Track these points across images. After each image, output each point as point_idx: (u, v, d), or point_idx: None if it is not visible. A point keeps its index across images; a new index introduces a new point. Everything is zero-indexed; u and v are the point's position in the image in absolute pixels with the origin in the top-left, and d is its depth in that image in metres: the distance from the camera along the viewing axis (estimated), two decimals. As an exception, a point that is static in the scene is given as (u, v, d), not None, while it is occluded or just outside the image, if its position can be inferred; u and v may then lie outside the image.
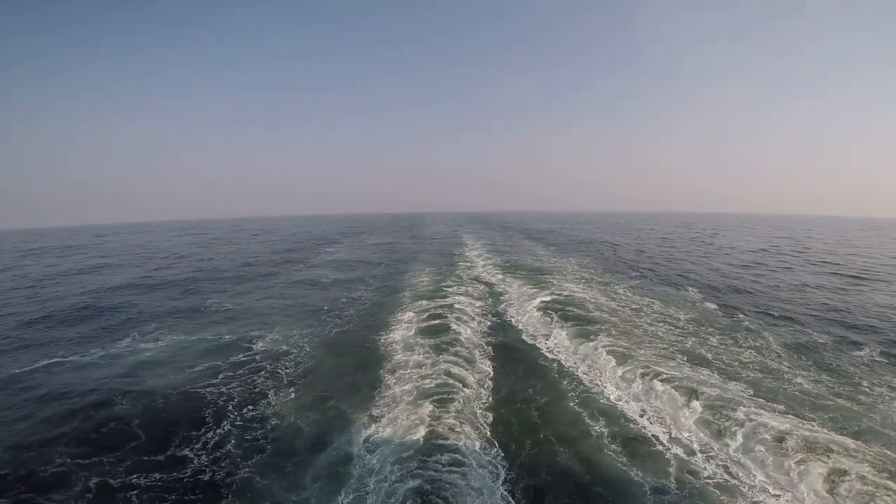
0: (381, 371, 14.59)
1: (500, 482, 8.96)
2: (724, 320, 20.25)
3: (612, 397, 12.50)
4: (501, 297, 24.82)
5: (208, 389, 13.24)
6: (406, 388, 13.12)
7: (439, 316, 20.43)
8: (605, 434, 10.69)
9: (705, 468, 9.38)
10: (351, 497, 8.57)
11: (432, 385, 13.15)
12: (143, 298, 26.96)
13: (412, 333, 18.35)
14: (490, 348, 16.60)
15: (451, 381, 13.43)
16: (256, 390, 13.29)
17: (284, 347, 17.07)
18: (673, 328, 18.77)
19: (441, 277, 31.22)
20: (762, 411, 11.30)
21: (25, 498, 8.57)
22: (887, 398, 12.27)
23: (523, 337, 17.98)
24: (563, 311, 20.81)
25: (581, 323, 19.04)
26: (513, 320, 20.35)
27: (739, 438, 10.26)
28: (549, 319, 19.85)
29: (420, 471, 9.15)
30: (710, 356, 15.41)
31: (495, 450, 10.03)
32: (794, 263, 39.64)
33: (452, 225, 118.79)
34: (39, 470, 9.37)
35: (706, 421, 11.04)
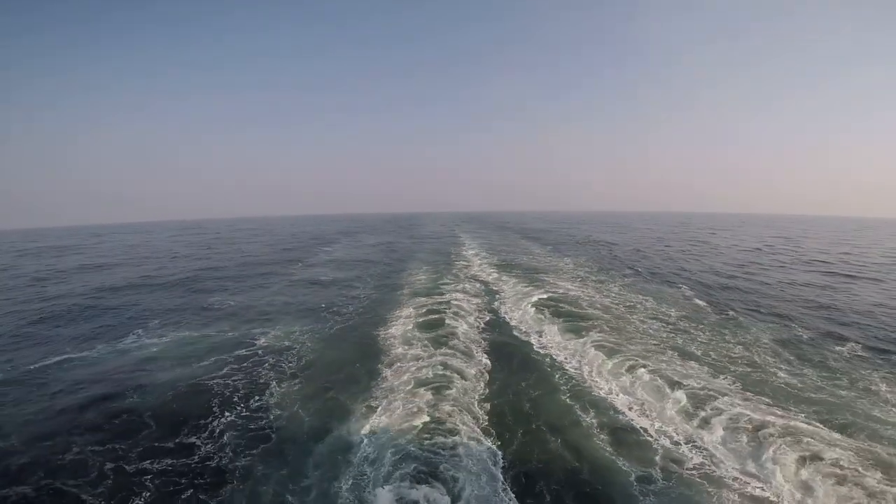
0: (380, 364, 15.12)
1: (495, 468, 9.38)
2: (715, 317, 20.76)
3: (602, 390, 12.92)
4: (497, 295, 25.32)
5: (215, 381, 13.77)
6: (404, 379, 13.67)
7: (437, 312, 20.99)
8: (595, 425, 11.09)
9: (690, 457, 9.72)
10: (350, 483, 8.98)
11: (429, 377, 13.68)
12: (145, 297, 27.45)
13: (410, 328, 18.92)
14: (486, 343, 17.10)
15: (447, 373, 13.95)
16: (261, 381, 13.83)
17: (286, 343, 17.58)
18: (664, 325, 19.26)
19: (438, 276, 31.79)
20: (747, 404, 11.70)
21: (45, 483, 9.08)
22: (867, 392, 12.69)
23: (518, 333, 18.46)
24: (557, 308, 21.35)
25: (574, 319, 19.56)
26: (508, 317, 20.84)
27: (723, 430, 10.61)
28: (544, 316, 20.36)
29: (417, 458, 9.60)
30: (699, 351, 15.89)
31: (490, 438, 10.49)
32: (786, 262, 40.24)
33: (451, 225, 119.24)
34: (57, 458, 9.88)
35: (692, 413, 11.41)
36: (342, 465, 9.56)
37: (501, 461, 9.67)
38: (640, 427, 11.00)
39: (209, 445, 10.40)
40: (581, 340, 16.86)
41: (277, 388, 13.34)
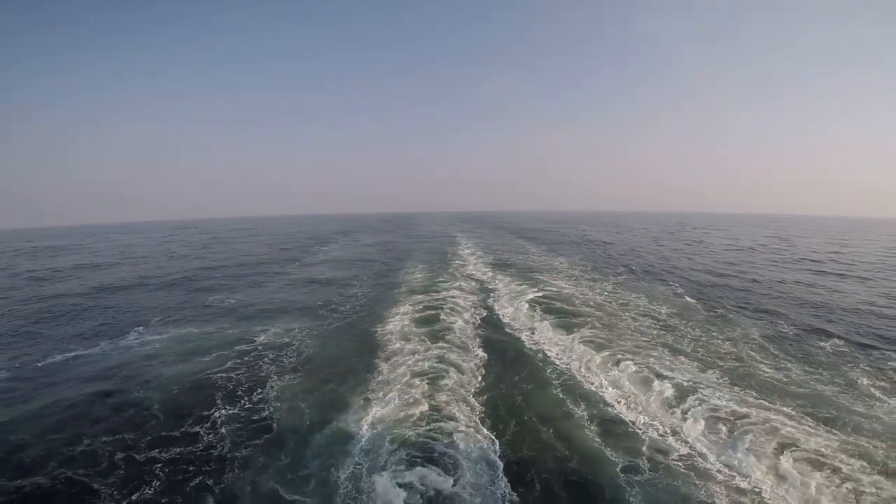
0: (378, 358, 15.54)
1: (489, 457, 9.74)
2: (705, 314, 21.24)
3: (592, 384, 13.31)
4: (493, 293, 25.76)
5: (217, 376, 14.17)
6: (401, 371, 14.12)
7: (433, 309, 21.47)
8: (585, 417, 11.46)
9: (676, 448, 10.06)
10: (349, 471, 9.33)
11: (426, 370, 14.11)
12: (145, 296, 27.77)
13: (407, 324, 19.37)
14: (480, 338, 17.52)
15: (443, 366, 14.39)
16: (262, 375, 14.25)
17: (286, 339, 17.97)
18: (655, 321, 19.71)
19: (435, 274, 32.25)
20: (733, 397, 12.11)
21: (58, 473, 9.43)
22: (850, 385, 13.11)
23: (511, 329, 18.89)
24: (550, 306, 21.84)
25: (567, 316, 20.02)
26: (502, 313, 21.26)
27: (709, 422, 10.96)
28: (537, 313, 20.81)
29: (414, 444, 10.03)
30: (688, 347, 16.33)
31: (484, 428, 10.89)
32: (778, 260, 40.89)
33: (448, 225, 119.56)
34: (68, 450, 10.24)
35: (678, 406, 11.76)
36: (340, 455, 9.90)
37: (496, 449, 10.03)
38: (629, 419, 11.32)
39: (214, 436, 10.80)
40: (573, 336, 17.31)
41: (278, 382, 13.74)
